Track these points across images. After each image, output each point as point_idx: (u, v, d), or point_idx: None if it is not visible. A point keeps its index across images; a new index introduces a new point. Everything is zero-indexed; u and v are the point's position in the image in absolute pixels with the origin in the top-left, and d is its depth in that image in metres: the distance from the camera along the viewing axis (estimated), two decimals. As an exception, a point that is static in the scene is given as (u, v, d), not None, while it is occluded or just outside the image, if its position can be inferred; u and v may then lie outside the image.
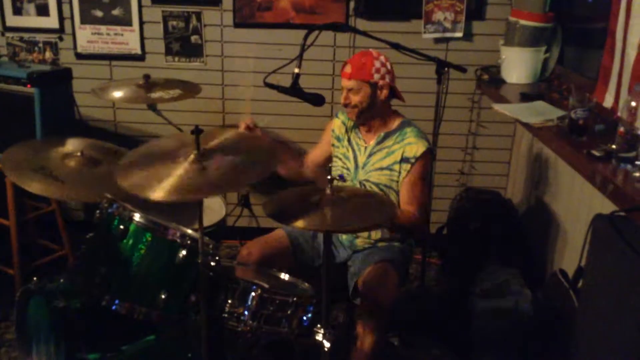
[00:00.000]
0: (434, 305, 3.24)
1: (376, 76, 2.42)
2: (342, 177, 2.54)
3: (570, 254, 2.77)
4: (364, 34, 2.61)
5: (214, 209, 2.80)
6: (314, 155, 2.82)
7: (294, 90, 2.35)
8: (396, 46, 2.51)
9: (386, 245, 2.56)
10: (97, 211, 1.99)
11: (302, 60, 2.42)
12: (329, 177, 1.91)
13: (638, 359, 1.68)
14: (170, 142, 1.88)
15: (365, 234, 2.57)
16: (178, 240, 1.90)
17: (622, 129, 1.99)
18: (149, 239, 1.88)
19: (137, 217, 1.88)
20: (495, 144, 3.74)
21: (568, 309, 2.33)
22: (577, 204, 2.72)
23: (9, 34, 3.56)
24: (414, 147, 2.46)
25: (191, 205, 2.51)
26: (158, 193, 1.63)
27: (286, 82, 2.44)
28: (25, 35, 3.55)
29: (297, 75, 2.35)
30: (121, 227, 1.86)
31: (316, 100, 2.39)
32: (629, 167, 1.98)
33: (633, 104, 1.96)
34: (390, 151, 2.51)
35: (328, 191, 1.89)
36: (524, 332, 2.68)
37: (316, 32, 2.44)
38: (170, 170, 1.70)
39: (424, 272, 3.11)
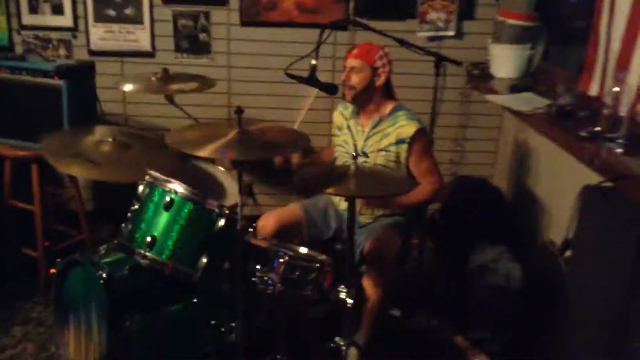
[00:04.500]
0: (431, 282, 3.48)
1: (378, 62, 2.69)
2: (365, 154, 2.77)
3: (556, 228, 3.03)
4: (375, 30, 2.84)
5: (231, 192, 3.00)
6: (328, 149, 3.07)
7: (312, 80, 2.58)
8: (401, 41, 2.75)
9: (389, 218, 2.82)
10: (141, 186, 2.19)
11: (303, 58, 2.65)
12: (353, 153, 2.15)
13: (623, 317, 1.92)
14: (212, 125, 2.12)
15: (369, 210, 2.82)
16: (216, 210, 2.12)
17: (606, 111, 2.26)
18: (191, 208, 2.09)
19: (180, 189, 2.09)
20: (483, 135, 4.02)
21: (557, 275, 2.59)
22: (561, 183, 2.99)
23: (25, 32, 3.73)
24: (407, 128, 2.70)
25: (217, 184, 2.76)
26: (204, 152, 1.88)
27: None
28: (40, 33, 3.73)
29: (314, 67, 2.58)
30: (167, 198, 2.07)
31: (331, 89, 2.63)
32: (612, 145, 2.25)
33: (616, 89, 2.23)
34: (385, 134, 2.75)
35: (352, 166, 2.13)
36: (516, 301, 2.93)
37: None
38: (215, 138, 1.94)
39: (421, 255, 3.34)
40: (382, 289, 2.55)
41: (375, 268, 2.57)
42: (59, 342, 2.55)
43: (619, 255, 1.90)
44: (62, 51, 3.76)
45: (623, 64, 2.45)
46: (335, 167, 2.15)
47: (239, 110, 1.93)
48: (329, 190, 1.98)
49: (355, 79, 2.69)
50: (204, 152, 1.87)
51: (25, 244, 3.26)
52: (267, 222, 2.75)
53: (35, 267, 3.22)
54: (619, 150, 2.21)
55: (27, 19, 3.71)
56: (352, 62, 2.69)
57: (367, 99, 2.75)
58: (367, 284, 2.57)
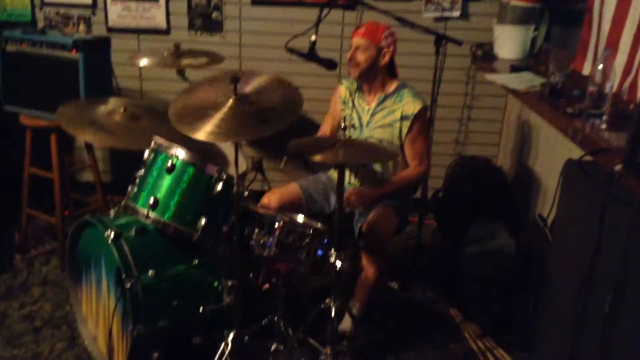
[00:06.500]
0: (428, 257, 3.61)
1: (383, 42, 2.79)
2: (354, 126, 2.90)
3: (549, 203, 3.13)
4: (377, 9, 2.95)
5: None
6: (328, 124, 3.14)
7: (311, 55, 2.70)
8: (400, 19, 2.86)
9: (388, 194, 2.92)
10: (147, 151, 2.34)
11: (299, 35, 2.78)
12: (342, 125, 2.27)
13: (591, 276, 2.02)
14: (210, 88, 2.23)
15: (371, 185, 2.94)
16: (215, 175, 2.26)
17: (591, 88, 2.33)
18: (192, 172, 2.24)
19: (182, 154, 2.24)
20: (488, 116, 4.10)
21: (544, 245, 2.69)
22: (558, 163, 3.06)
23: (46, 8, 3.90)
24: (412, 105, 2.83)
25: (221, 155, 2.90)
26: (200, 134, 2.02)
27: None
28: (61, 10, 3.90)
29: (314, 42, 2.70)
30: (169, 162, 2.22)
31: (330, 64, 2.74)
32: (597, 121, 2.33)
33: (601, 67, 2.31)
34: (390, 110, 2.87)
35: (341, 137, 2.25)
36: (508, 273, 3.03)
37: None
38: (211, 114, 2.06)
39: (420, 231, 3.46)
40: (378, 266, 2.69)
41: (372, 246, 2.70)
42: (73, 301, 2.74)
43: (589, 222, 2.00)
44: (82, 27, 3.93)
45: (612, 44, 2.52)
46: (326, 140, 2.28)
47: (235, 79, 2.06)
48: (317, 158, 2.11)
49: (360, 57, 2.80)
50: (199, 135, 2.01)
51: (44, 210, 3.45)
52: (270, 200, 2.90)
53: (54, 233, 3.41)
54: (603, 126, 2.30)
55: (49, -4, 3.88)
56: (358, 41, 2.80)
57: (371, 76, 2.86)
58: (365, 260, 2.71)
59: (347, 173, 2.93)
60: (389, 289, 3.33)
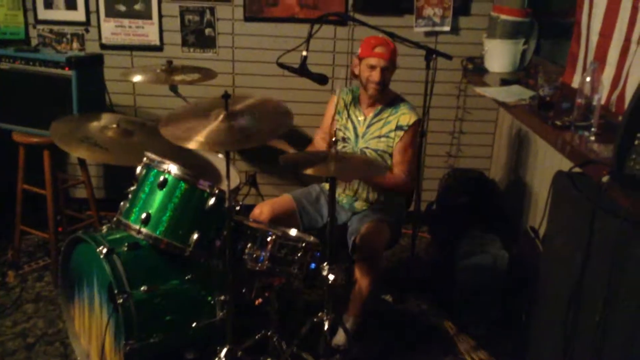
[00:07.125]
0: (422, 270, 3.61)
1: (397, 61, 2.90)
2: (344, 139, 2.93)
3: (540, 215, 3.14)
4: (368, 25, 2.98)
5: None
6: (324, 132, 3.15)
7: (302, 70, 2.72)
8: (391, 35, 2.89)
9: (381, 207, 2.95)
10: (139, 167, 2.35)
11: (289, 51, 2.81)
12: (334, 138, 2.29)
13: (581, 286, 2.03)
14: (204, 103, 2.25)
15: (364, 197, 2.96)
16: (207, 190, 2.27)
17: (579, 100, 2.36)
18: (184, 187, 2.25)
19: (174, 169, 2.25)
20: (480, 128, 4.13)
21: (535, 256, 2.70)
22: (548, 174, 3.08)
23: (40, 26, 3.92)
24: (407, 116, 2.90)
25: (214, 169, 2.91)
26: (192, 144, 2.02)
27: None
28: (55, 28, 3.92)
29: (305, 57, 2.72)
30: (161, 178, 2.23)
31: (321, 79, 2.77)
32: (585, 133, 2.35)
33: (589, 79, 2.33)
34: (386, 121, 2.93)
35: (333, 151, 2.27)
36: (501, 285, 3.04)
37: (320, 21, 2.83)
38: (203, 126, 2.08)
39: (414, 244, 3.46)
40: (371, 279, 2.70)
41: (366, 259, 2.71)
42: (66, 317, 2.73)
43: (579, 232, 2.02)
44: (75, 45, 3.95)
45: (600, 56, 2.55)
46: (317, 154, 2.30)
47: (226, 96, 2.08)
48: (309, 172, 2.13)
49: (387, 77, 2.88)
50: (192, 145, 2.03)
51: (38, 227, 3.44)
52: (262, 210, 2.90)
53: (47, 249, 3.40)
54: (592, 138, 2.32)
55: (43, 13, 3.90)
56: (384, 63, 2.84)
57: (385, 90, 2.94)
58: (358, 273, 2.71)
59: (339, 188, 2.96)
60: (384, 301, 3.33)
